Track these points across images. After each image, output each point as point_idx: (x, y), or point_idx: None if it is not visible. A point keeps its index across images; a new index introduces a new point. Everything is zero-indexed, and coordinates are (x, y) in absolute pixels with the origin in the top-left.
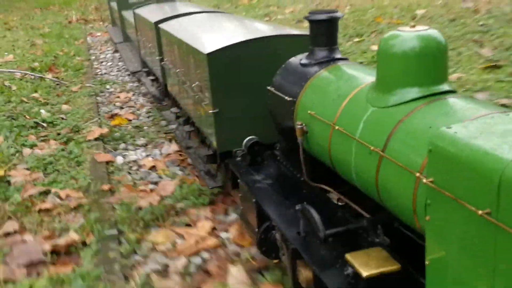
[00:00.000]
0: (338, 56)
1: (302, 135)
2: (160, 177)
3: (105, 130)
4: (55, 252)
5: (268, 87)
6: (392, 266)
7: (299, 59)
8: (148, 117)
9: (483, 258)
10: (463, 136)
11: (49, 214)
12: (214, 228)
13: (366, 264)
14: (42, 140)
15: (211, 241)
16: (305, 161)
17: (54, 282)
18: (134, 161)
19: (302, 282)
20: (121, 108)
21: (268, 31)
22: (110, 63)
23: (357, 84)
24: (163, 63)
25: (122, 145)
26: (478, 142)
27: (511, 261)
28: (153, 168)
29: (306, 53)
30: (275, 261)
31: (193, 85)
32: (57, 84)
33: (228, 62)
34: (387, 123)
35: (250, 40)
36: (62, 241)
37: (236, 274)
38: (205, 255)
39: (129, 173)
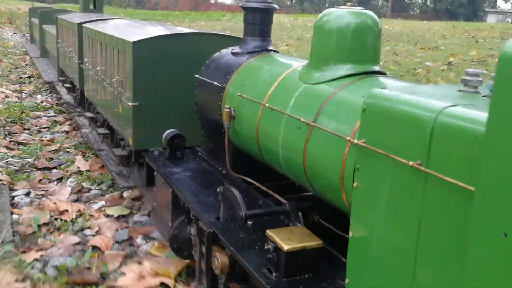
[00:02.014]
0: (270, 47)
1: (229, 120)
2: None
3: None
4: None
5: (197, 75)
6: (314, 242)
7: (230, 49)
8: None
9: (410, 212)
10: (397, 92)
11: None
12: None
13: (289, 239)
14: None
15: None
16: (229, 149)
17: None
18: None
19: (216, 268)
20: None
21: (191, 30)
22: None
23: (289, 67)
24: (82, 65)
25: None
26: (411, 96)
27: (437, 209)
28: None
29: (238, 45)
30: (187, 261)
31: (113, 80)
32: None
33: (152, 54)
34: (319, 97)
35: (175, 34)
36: None
37: None
38: None
39: None
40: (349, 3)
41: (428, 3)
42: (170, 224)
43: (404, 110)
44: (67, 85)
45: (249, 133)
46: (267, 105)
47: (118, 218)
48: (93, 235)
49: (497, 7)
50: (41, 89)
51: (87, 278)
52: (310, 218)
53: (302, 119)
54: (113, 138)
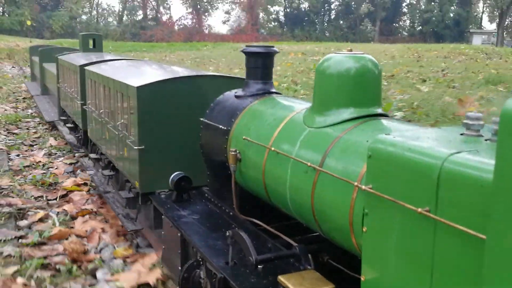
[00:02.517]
0: (272, 89)
1: (235, 163)
2: None
3: None
4: None
5: (202, 119)
6: (326, 286)
7: (233, 92)
8: None
9: (421, 258)
10: (402, 139)
11: None
12: None
13: (300, 284)
14: None
15: None
16: (235, 192)
17: None
18: None
19: None
20: None
21: (194, 72)
22: None
23: (293, 110)
24: (85, 107)
25: None
26: (416, 143)
27: (448, 255)
28: None
29: (241, 88)
30: None
31: (118, 123)
32: None
33: (156, 98)
34: (324, 141)
35: (178, 78)
36: None
37: None
38: None
39: None
40: (348, 48)
41: (415, 26)
42: (180, 268)
43: (410, 157)
44: (69, 125)
45: (256, 176)
46: (272, 148)
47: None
48: (54, 168)
49: (482, 27)
50: (32, 106)
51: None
52: (320, 259)
53: (309, 164)
54: (118, 179)
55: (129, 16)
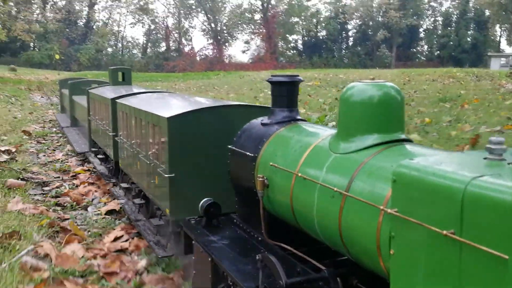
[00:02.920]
0: (298, 117)
1: (263, 189)
2: None
3: None
4: None
5: (229, 146)
6: None
7: (260, 120)
8: None
9: (448, 279)
10: (426, 163)
11: None
12: None
13: None
14: None
15: None
16: (264, 217)
17: None
18: None
19: None
20: None
21: (220, 103)
22: None
23: (318, 136)
24: (117, 138)
25: None
26: (440, 166)
27: (474, 276)
28: None
29: (267, 116)
30: None
31: (149, 153)
32: None
33: (186, 127)
34: (350, 167)
35: (206, 108)
36: None
37: None
38: None
39: None
40: (371, 77)
41: (433, 51)
42: None
43: (434, 181)
44: (100, 156)
45: (284, 201)
46: (299, 174)
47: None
48: (69, 163)
49: (501, 51)
50: (56, 126)
51: None
52: (349, 282)
53: (335, 189)
54: (148, 208)
55: (152, 48)
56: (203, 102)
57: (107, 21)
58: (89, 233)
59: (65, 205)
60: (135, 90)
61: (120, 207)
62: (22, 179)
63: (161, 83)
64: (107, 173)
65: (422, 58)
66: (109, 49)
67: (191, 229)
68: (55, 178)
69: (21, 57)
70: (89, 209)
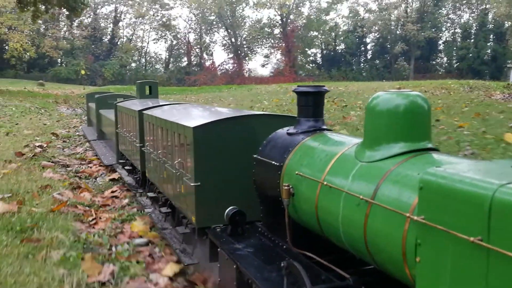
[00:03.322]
0: (324, 126)
1: (288, 197)
2: None
3: None
4: None
5: (255, 155)
6: None
7: (285, 130)
8: None
9: (475, 287)
10: (453, 171)
11: None
12: None
13: None
14: None
15: None
16: (289, 225)
17: None
18: None
19: None
20: None
21: (245, 112)
22: None
23: (344, 145)
24: (143, 148)
25: None
26: (467, 174)
27: (502, 283)
28: None
29: (292, 126)
30: None
31: (175, 162)
32: None
33: (211, 137)
34: (375, 175)
35: (231, 118)
36: None
37: None
38: None
39: None
40: (397, 86)
41: (452, 63)
42: None
43: (461, 188)
44: (127, 167)
45: (309, 209)
46: (325, 183)
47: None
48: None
49: None
50: (79, 130)
51: None
52: None
53: (361, 197)
54: (174, 216)
55: (174, 63)
56: (226, 112)
57: (131, 37)
58: (95, 189)
59: (81, 176)
60: (161, 103)
61: (119, 176)
62: (52, 162)
63: (174, 96)
64: (134, 183)
65: (441, 70)
66: (133, 64)
67: (217, 237)
68: (75, 163)
69: (49, 72)
70: (97, 178)
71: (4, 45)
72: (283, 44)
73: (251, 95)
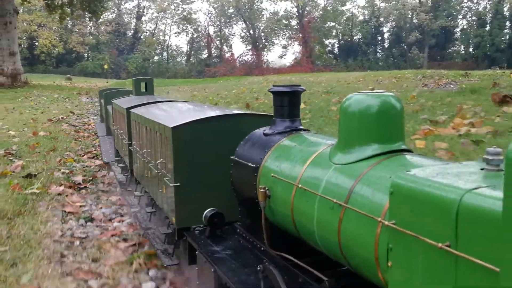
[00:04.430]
0: (300, 127)
1: (264, 199)
2: None
3: None
4: None
5: (232, 157)
6: None
7: (262, 130)
8: None
9: None
10: (422, 175)
11: None
12: None
13: None
14: None
15: None
16: (266, 227)
17: None
18: None
19: None
20: None
21: (226, 111)
22: None
23: (319, 147)
24: (131, 147)
25: None
26: (436, 179)
27: None
28: None
29: (269, 126)
30: None
31: (157, 162)
32: None
33: (190, 137)
34: (349, 178)
35: (210, 117)
36: None
37: None
38: None
39: None
40: (371, 87)
41: (468, 51)
42: None
43: (430, 193)
44: (121, 165)
45: (285, 212)
46: (300, 185)
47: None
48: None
49: None
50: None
51: None
52: None
53: (335, 200)
54: (160, 217)
55: (195, 56)
56: (210, 111)
57: (153, 31)
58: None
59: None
60: (157, 100)
61: (106, 162)
62: (67, 123)
63: (195, 85)
64: (124, 181)
65: (457, 58)
66: (156, 58)
67: (195, 239)
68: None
69: (76, 67)
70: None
71: (34, 41)
72: (300, 35)
73: (234, 86)
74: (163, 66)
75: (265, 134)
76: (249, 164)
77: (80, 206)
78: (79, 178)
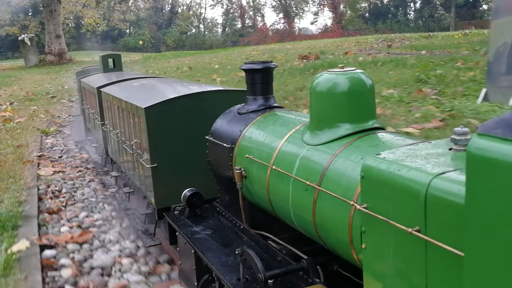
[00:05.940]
0: (274, 104)
1: (241, 180)
2: None
3: None
4: None
5: (207, 137)
6: None
7: (236, 108)
8: None
9: (416, 277)
10: (391, 159)
11: None
12: None
13: None
14: None
15: None
16: (244, 207)
17: None
18: None
19: None
20: None
21: (200, 88)
22: None
23: (293, 126)
24: (104, 127)
25: None
26: (405, 163)
27: (438, 274)
28: None
29: (243, 104)
30: None
31: (132, 143)
32: None
33: (164, 117)
34: (322, 159)
35: (184, 96)
36: None
37: None
38: None
39: None
40: (340, 65)
41: None
42: (196, 283)
43: (399, 178)
44: (94, 145)
45: (261, 192)
46: (274, 167)
47: None
48: None
49: None
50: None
51: None
52: (329, 268)
53: (308, 182)
54: (139, 196)
55: (230, 27)
56: (183, 89)
57: (189, 5)
58: None
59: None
60: (125, 77)
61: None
62: None
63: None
64: (100, 161)
65: (487, 17)
66: (193, 30)
67: (174, 220)
68: None
69: (119, 43)
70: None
71: (81, 20)
72: (330, 1)
73: (223, 56)
74: (200, 38)
75: (239, 113)
76: (224, 144)
77: None
78: None
